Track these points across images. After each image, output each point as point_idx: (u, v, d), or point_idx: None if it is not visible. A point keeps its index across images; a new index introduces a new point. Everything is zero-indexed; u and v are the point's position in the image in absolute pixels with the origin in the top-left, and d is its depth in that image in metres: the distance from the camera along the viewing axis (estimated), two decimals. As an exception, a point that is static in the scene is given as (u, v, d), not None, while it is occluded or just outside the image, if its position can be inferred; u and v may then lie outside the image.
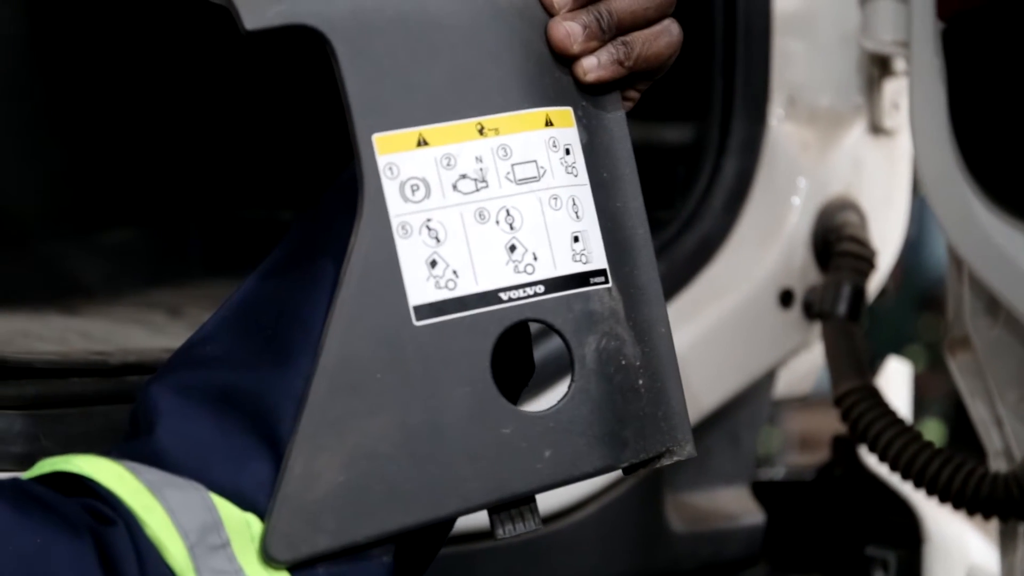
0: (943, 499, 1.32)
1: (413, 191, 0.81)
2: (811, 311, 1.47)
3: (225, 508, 0.80)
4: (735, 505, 1.52)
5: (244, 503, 0.81)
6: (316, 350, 0.80)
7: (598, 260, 0.86)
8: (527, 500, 0.84)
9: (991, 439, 1.35)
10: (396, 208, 0.81)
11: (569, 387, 0.84)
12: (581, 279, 0.85)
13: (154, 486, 0.80)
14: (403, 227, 0.81)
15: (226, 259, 2.02)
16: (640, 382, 0.87)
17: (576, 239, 0.85)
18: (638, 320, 0.87)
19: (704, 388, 1.44)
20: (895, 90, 1.50)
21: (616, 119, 0.89)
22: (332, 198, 0.87)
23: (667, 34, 0.88)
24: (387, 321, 0.80)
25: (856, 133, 1.50)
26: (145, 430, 0.83)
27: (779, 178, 1.47)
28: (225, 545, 0.79)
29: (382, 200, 0.81)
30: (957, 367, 1.36)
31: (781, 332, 1.47)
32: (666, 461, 0.88)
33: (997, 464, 1.33)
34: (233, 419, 0.82)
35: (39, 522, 0.76)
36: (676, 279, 1.44)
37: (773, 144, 1.47)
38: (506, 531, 0.84)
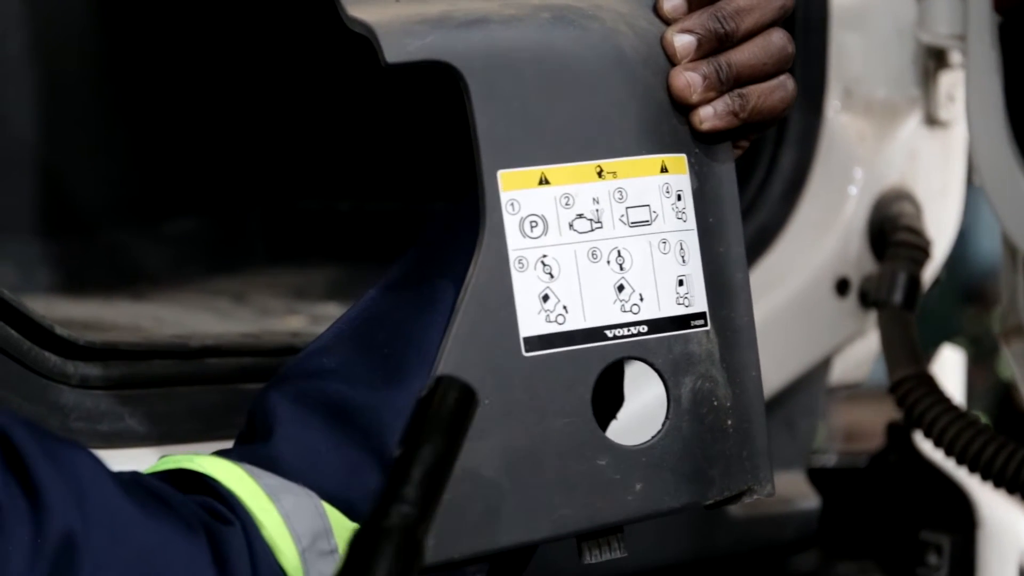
0: (998, 484, 1.34)
1: (532, 227, 0.84)
2: (867, 300, 1.49)
3: (335, 516, 0.84)
4: (791, 489, 1.54)
5: (352, 513, 0.84)
6: (429, 371, 0.83)
7: (699, 303, 0.89)
8: (616, 530, 0.87)
9: (1045, 426, 1.37)
10: (515, 242, 0.84)
11: (663, 424, 0.87)
12: (682, 321, 0.88)
13: (271, 490, 0.83)
14: (520, 261, 0.84)
15: (285, 247, 2.06)
16: (729, 423, 0.89)
17: (681, 282, 0.88)
18: (731, 363, 0.90)
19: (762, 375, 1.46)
20: (950, 82, 1.52)
21: (726, 168, 0.91)
22: (449, 222, 0.90)
23: (782, 89, 0.90)
24: (498, 350, 0.83)
25: (912, 124, 1.52)
26: (262, 435, 0.87)
27: (836, 169, 1.49)
28: (333, 552, 0.83)
29: (502, 234, 0.83)
30: (1012, 355, 1.38)
31: (837, 320, 1.49)
32: (746, 499, 0.91)
33: (1051, 450, 1.35)
34: (346, 431, 0.85)
35: (158, 518, 0.80)
36: (734, 268, 1.46)
37: (830, 135, 1.49)
38: (592, 556, 0.87)
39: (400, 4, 0.84)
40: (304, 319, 1.60)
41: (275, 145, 2.06)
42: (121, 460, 0.86)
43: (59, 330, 1.07)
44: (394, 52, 0.81)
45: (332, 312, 1.63)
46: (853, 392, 1.71)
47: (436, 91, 1.86)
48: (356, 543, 0.67)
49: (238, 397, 1.15)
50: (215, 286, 1.85)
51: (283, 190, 2.07)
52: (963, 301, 4.89)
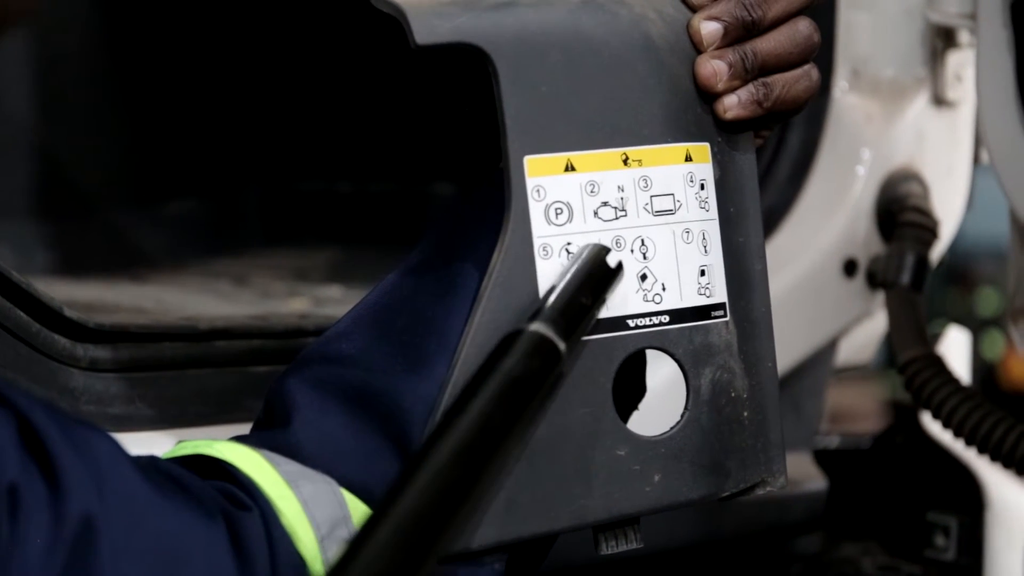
0: (1007, 464, 1.33)
1: (557, 214, 0.84)
2: (874, 280, 1.48)
3: (354, 503, 0.83)
4: (798, 471, 1.54)
5: (371, 500, 0.83)
6: (451, 359, 0.82)
7: (720, 294, 0.89)
8: (633, 520, 0.86)
9: (1053, 406, 1.36)
10: (540, 230, 0.83)
11: (682, 415, 0.87)
12: (703, 312, 0.88)
13: (290, 477, 0.83)
14: (544, 249, 0.83)
15: (285, 229, 2.05)
16: (745, 414, 0.89)
17: (703, 272, 0.88)
18: (748, 353, 0.90)
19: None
20: (958, 62, 1.51)
21: (747, 158, 0.91)
22: (469, 208, 0.89)
23: (807, 79, 0.89)
24: None
25: (919, 105, 1.51)
26: (280, 422, 0.86)
27: (843, 149, 1.48)
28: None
29: (527, 221, 0.83)
30: (1019, 336, 1.38)
31: (845, 301, 1.48)
32: (760, 491, 0.91)
33: (1060, 431, 1.35)
34: (365, 418, 0.85)
35: (176, 502, 0.79)
36: (742, 249, 1.45)
37: (837, 115, 1.48)
38: (609, 547, 0.86)
39: None
40: (307, 301, 1.59)
41: (274, 126, 2.05)
42: (132, 443, 0.85)
43: (68, 312, 1.06)
44: (424, 34, 0.80)
45: (334, 294, 1.62)
46: (839, 374, 1.70)
47: (442, 74, 1.85)
48: (502, 343, 0.75)
49: (248, 380, 1.15)
50: (215, 268, 1.84)
51: (282, 171, 2.06)
52: (946, 283, 4.91)
